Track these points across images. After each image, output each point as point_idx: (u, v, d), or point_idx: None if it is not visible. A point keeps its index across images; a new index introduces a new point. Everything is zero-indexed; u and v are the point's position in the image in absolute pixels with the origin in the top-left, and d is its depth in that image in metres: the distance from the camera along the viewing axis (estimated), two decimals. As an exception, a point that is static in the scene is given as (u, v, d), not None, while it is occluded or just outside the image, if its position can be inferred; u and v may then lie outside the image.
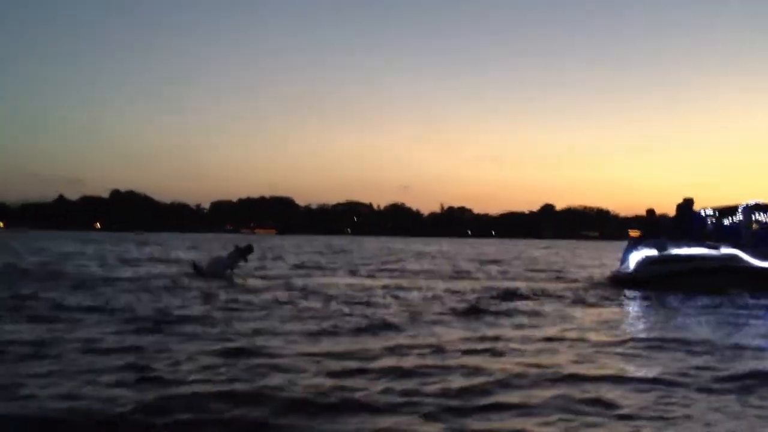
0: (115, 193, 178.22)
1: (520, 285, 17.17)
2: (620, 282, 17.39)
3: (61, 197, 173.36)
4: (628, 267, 17.51)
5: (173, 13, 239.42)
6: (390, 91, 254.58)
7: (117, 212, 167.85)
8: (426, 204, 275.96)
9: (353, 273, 21.58)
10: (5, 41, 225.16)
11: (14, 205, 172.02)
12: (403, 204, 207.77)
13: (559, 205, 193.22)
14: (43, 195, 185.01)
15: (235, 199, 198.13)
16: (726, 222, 17.05)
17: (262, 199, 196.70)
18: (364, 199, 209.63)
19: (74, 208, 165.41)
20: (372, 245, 65.00)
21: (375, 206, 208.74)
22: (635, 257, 17.29)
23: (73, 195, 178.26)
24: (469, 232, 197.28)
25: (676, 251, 16.71)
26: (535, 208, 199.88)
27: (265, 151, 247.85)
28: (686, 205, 17.16)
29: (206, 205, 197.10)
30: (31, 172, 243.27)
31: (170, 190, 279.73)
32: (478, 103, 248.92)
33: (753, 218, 16.57)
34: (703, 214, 17.27)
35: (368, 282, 17.77)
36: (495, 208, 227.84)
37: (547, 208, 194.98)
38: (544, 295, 14.67)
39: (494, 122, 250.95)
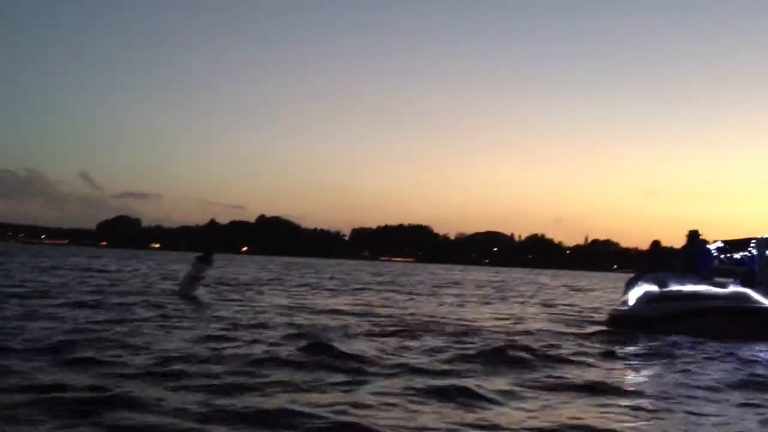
0: (261, 218, 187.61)
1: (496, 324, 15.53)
2: (618, 321, 15.27)
3: (212, 221, 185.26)
4: (627, 304, 15.40)
5: (323, 48, 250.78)
6: (544, 123, 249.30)
7: (262, 237, 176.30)
8: (573, 236, 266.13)
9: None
10: (179, 78, 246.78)
11: (172, 228, 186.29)
12: (543, 235, 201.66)
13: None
14: (202, 219, 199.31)
15: (374, 226, 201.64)
16: (738, 257, 14.54)
17: (400, 227, 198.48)
18: (509, 230, 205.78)
19: (223, 231, 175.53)
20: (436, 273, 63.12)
21: (516, 237, 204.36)
22: (635, 293, 15.15)
23: (224, 219, 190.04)
24: (615, 267, 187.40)
25: (678, 288, 14.48)
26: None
27: (409, 180, 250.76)
28: (692, 237, 14.86)
29: (347, 232, 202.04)
30: (198, 199, 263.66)
31: (315, 216, 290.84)
32: (635, 135, 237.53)
33: (768, 254, 14.01)
34: (712, 247, 14.85)
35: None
36: (645, 243, 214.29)
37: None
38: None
39: (652, 154, 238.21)
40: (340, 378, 7.30)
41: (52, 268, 30.18)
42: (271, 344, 9.56)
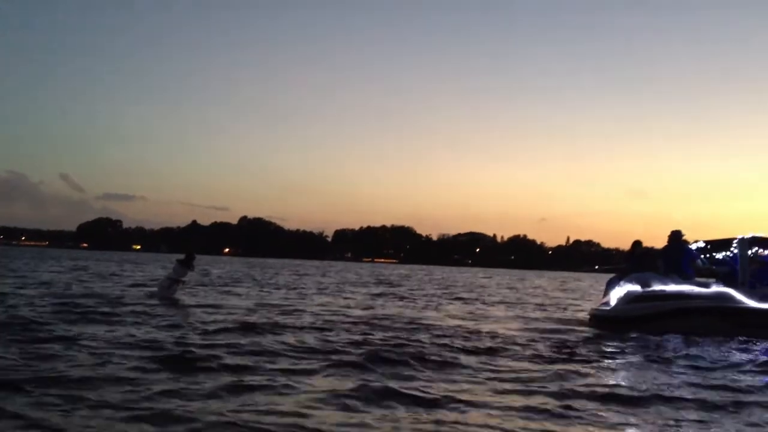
0: (243, 220, 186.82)
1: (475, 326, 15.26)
2: (599, 321, 15.11)
3: (194, 222, 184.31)
4: (608, 304, 15.20)
5: (305, 52, 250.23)
6: (527, 123, 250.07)
7: (244, 238, 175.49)
8: (556, 237, 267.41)
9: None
10: (166, 85, 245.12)
11: (154, 229, 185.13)
12: (525, 236, 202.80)
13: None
14: (183, 221, 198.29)
15: (357, 227, 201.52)
16: (719, 257, 14.42)
17: (383, 228, 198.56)
18: (491, 231, 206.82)
19: (205, 233, 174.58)
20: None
21: (499, 238, 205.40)
22: (617, 293, 14.97)
23: (206, 221, 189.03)
24: (596, 267, 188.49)
25: (661, 287, 14.32)
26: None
27: (392, 181, 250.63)
28: (675, 237, 14.73)
29: (330, 233, 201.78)
30: (180, 201, 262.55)
31: (297, 217, 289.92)
32: (619, 136, 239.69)
33: (750, 253, 13.91)
34: (694, 247, 14.71)
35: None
36: (626, 243, 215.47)
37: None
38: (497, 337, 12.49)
39: (635, 156, 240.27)
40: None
41: None
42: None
